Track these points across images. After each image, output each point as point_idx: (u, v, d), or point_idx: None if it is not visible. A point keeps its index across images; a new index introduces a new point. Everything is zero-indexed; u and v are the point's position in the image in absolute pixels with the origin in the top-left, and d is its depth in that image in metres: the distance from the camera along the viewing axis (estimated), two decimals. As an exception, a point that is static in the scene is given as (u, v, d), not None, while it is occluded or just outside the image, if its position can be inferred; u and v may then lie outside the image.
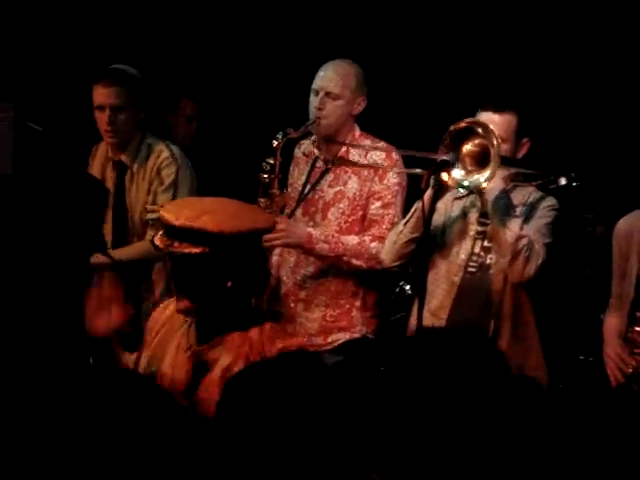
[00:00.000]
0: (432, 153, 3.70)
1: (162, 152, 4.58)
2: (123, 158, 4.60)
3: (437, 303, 3.91)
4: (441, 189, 3.72)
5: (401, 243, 3.87)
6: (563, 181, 3.72)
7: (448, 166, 3.62)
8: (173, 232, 2.95)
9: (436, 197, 3.71)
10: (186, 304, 3.02)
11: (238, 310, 3.03)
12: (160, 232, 3.03)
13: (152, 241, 3.07)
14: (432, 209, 3.70)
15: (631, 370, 3.50)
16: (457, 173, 3.64)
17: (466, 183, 3.64)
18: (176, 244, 2.93)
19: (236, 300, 3.02)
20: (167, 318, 3.21)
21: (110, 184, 4.62)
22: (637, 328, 3.53)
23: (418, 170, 3.82)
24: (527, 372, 3.82)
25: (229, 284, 2.97)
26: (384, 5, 5.57)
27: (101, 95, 4.49)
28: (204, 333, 3.06)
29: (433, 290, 3.92)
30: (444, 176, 3.63)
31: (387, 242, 3.98)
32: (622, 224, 3.76)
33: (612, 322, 3.74)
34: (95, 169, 4.71)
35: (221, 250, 2.93)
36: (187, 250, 2.91)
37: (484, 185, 3.61)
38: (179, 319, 3.15)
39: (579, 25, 5.22)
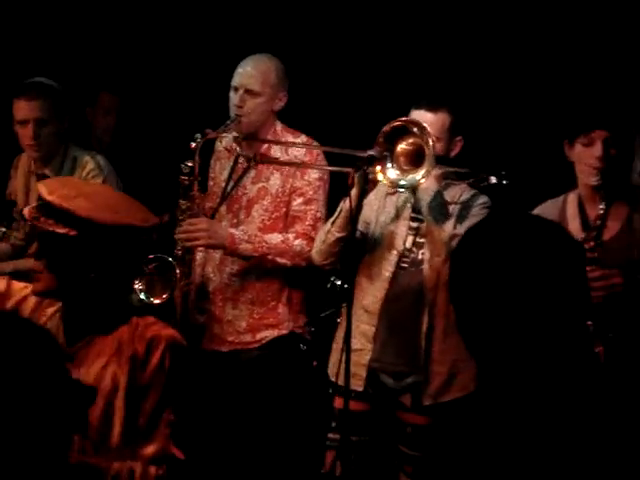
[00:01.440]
0: (358, 151, 3.71)
1: (88, 164, 4.52)
2: (47, 172, 4.50)
3: (370, 299, 3.93)
4: (367, 186, 3.73)
5: (330, 242, 3.87)
6: (494, 179, 3.76)
7: (378, 163, 3.63)
8: (44, 207, 2.86)
9: (362, 195, 3.72)
10: (44, 284, 2.91)
11: (107, 307, 2.96)
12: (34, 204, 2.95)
13: (21, 211, 2.98)
14: (359, 207, 3.71)
15: None
16: (392, 173, 3.65)
17: (403, 182, 3.66)
18: (42, 219, 2.84)
19: (103, 295, 2.93)
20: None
21: (34, 197, 4.54)
22: None
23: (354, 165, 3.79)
24: (458, 368, 3.87)
25: (92, 276, 2.88)
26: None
27: (24, 109, 4.39)
28: (71, 331, 2.95)
29: (366, 286, 3.94)
30: (379, 176, 3.66)
31: (316, 241, 3.98)
32: (538, 212, 3.80)
33: None
34: (19, 181, 4.64)
35: (86, 237, 2.83)
36: (51, 228, 2.82)
37: (418, 185, 3.65)
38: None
39: (506, 25, 5.23)
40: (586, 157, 3.61)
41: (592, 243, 3.54)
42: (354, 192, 3.70)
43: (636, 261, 3.59)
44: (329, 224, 3.90)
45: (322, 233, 3.94)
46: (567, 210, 3.74)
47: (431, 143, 3.61)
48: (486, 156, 4.26)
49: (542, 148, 4.00)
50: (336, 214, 3.87)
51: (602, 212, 3.60)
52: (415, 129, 3.65)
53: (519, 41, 5.18)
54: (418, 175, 3.63)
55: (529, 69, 5.21)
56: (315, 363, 4.43)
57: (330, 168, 4.14)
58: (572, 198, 3.75)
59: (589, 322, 3.46)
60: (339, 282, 4.52)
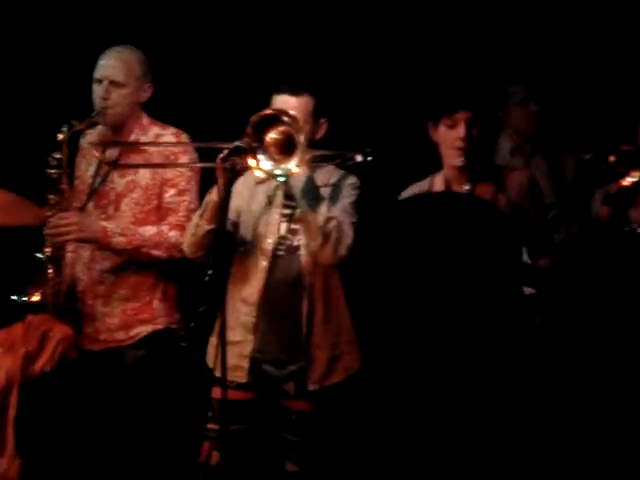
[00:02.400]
0: (225, 143, 3.67)
1: None
2: None
3: (248, 289, 3.90)
4: (235, 177, 3.69)
5: (199, 235, 3.82)
6: (359, 157, 3.77)
7: (249, 155, 3.59)
8: None
9: (229, 186, 3.67)
10: None
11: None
12: None
13: None
14: (227, 198, 3.67)
15: None
16: (266, 164, 3.62)
17: (277, 172, 3.62)
18: None
19: None
20: None
21: None
22: None
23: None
24: (340, 350, 3.87)
25: None
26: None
27: None
28: None
29: (243, 277, 3.91)
30: (255, 170, 3.62)
31: (186, 234, 3.93)
32: (405, 196, 3.84)
33: None
34: None
35: None
36: None
37: (295, 171, 3.62)
38: None
39: (367, 3, 5.27)
40: (450, 138, 3.67)
41: None
42: (220, 183, 3.65)
43: None
44: (197, 217, 3.85)
45: (191, 226, 3.89)
46: (434, 190, 3.78)
47: (301, 130, 3.60)
48: (354, 136, 4.26)
49: (409, 130, 4.02)
50: (203, 206, 3.82)
51: (467, 192, 3.65)
52: (285, 118, 3.63)
53: (384, 20, 5.23)
54: (292, 164, 3.61)
55: (393, 49, 5.26)
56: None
57: (200, 165, 4.10)
58: (439, 179, 3.80)
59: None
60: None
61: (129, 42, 4.22)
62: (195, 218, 3.87)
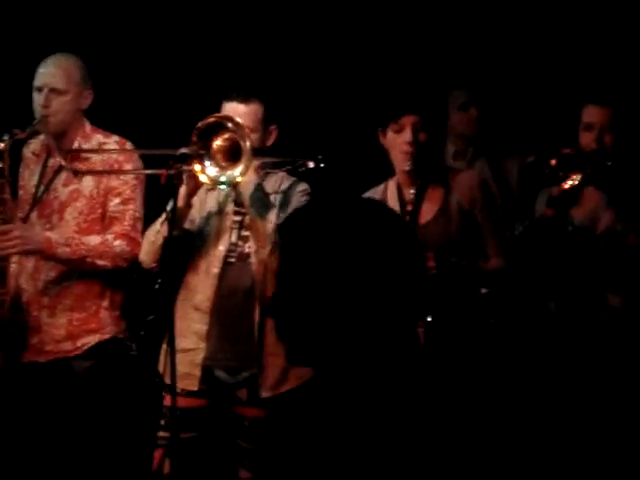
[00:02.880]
0: (171, 150, 3.66)
1: None
2: None
3: (201, 297, 3.89)
4: (182, 183, 3.66)
5: (160, 243, 3.79)
6: (311, 164, 3.78)
7: (196, 162, 3.58)
8: None
9: (177, 196, 3.65)
10: None
11: None
12: None
13: None
14: (175, 205, 3.65)
15: None
16: (212, 170, 3.61)
17: (223, 179, 3.63)
18: None
19: None
20: None
21: None
22: None
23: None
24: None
25: None
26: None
27: None
28: None
29: (194, 285, 3.90)
30: (200, 174, 3.60)
31: (144, 243, 3.91)
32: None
33: None
34: None
35: None
36: None
37: (239, 179, 3.62)
38: None
39: (314, 11, 5.29)
40: (397, 143, 3.69)
41: None
42: (183, 190, 3.66)
43: (453, 242, 3.69)
44: (158, 225, 3.83)
45: (151, 234, 3.87)
46: (387, 196, 3.81)
47: (247, 137, 3.61)
48: (306, 143, 4.27)
49: (364, 137, 4.03)
50: (165, 215, 3.79)
51: (412, 196, 3.68)
52: (230, 124, 3.63)
53: (331, 26, 5.24)
54: (236, 171, 3.61)
55: (341, 56, 5.28)
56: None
57: (146, 171, 4.07)
58: (391, 184, 3.83)
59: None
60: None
61: (68, 49, 4.19)
62: (155, 226, 3.85)
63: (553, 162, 3.95)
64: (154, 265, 3.91)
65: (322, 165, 3.77)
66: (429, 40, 5.29)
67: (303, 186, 3.91)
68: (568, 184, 3.95)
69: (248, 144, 3.59)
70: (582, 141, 4.05)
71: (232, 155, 3.64)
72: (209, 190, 3.89)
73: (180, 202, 3.65)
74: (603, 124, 4.03)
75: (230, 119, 3.65)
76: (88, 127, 4.16)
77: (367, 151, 4.05)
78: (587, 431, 3.82)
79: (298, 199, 3.86)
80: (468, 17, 5.28)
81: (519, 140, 5.02)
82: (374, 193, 3.86)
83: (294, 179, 3.92)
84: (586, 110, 4.08)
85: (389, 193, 3.82)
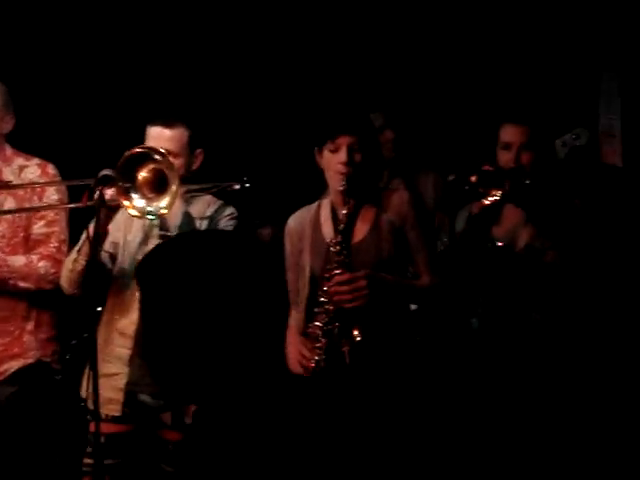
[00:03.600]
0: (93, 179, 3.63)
1: None
2: None
3: (125, 321, 3.87)
4: (104, 205, 3.63)
5: (79, 270, 3.77)
6: (237, 186, 3.78)
7: (121, 193, 3.56)
8: None
9: (98, 218, 3.62)
10: None
11: None
12: None
13: None
14: (98, 228, 3.62)
15: (313, 364, 3.58)
16: (139, 202, 3.60)
17: (149, 209, 3.61)
18: None
19: None
20: None
21: None
22: (315, 323, 3.62)
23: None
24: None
25: None
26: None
27: None
28: None
29: (119, 308, 3.89)
30: (128, 208, 3.59)
31: (64, 270, 3.88)
32: (292, 221, 3.87)
33: (292, 319, 3.82)
34: None
35: None
36: None
37: (165, 211, 3.61)
38: None
39: (236, 36, 5.30)
40: (333, 163, 3.72)
41: (338, 247, 3.64)
42: (98, 216, 3.61)
43: (385, 260, 3.73)
44: (75, 252, 3.80)
45: (69, 262, 3.84)
46: (321, 215, 3.84)
47: (173, 167, 3.60)
48: (234, 166, 4.28)
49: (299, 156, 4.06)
50: (81, 241, 3.78)
51: (345, 216, 3.71)
52: (155, 156, 3.62)
53: (259, 49, 5.27)
54: (163, 202, 3.59)
55: (274, 79, 5.31)
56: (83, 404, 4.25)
57: (67, 182, 4.04)
58: (325, 204, 3.85)
59: (336, 323, 3.58)
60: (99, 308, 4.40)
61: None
62: (73, 253, 3.82)
63: (473, 179, 4.01)
64: (75, 292, 3.87)
65: (247, 186, 3.78)
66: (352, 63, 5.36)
67: (229, 210, 3.92)
68: (489, 200, 4.01)
69: (174, 173, 3.59)
70: (500, 160, 4.10)
71: (158, 185, 3.63)
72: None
73: (95, 228, 3.61)
74: (521, 143, 4.08)
75: (156, 150, 3.63)
76: (9, 151, 4.14)
77: (298, 171, 4.08)
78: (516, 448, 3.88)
79: (225, 223, 3.87)
80: (383, 39, 5.35)
81: (432, 157, 5.10)
82: (307, 212, 3.88)
83: (220, 203, 3.93)
84: (503, 129, 4.13)
85: (322, 212, 3.84)
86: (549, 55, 5.19)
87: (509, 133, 4.11)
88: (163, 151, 3.63)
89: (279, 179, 4.86)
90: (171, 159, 3.67)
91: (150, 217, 3.67)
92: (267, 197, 3.96)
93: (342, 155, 3.68)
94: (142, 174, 3.62)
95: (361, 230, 3.75)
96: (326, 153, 3.74)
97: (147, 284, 2.60)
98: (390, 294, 3.66)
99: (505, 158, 4.08)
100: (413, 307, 3.97)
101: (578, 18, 5.12)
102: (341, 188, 3.70)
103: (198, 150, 3.93)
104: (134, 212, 3.61)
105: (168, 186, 3.58)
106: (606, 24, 5.04)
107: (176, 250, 2.82)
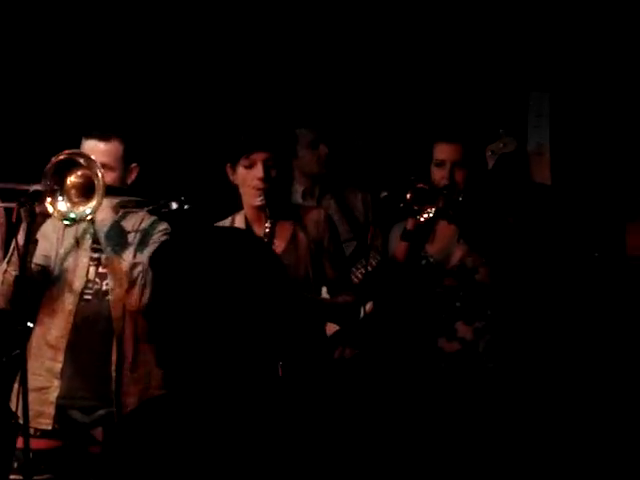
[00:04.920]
0: (23, 185, 3.57)
1: None
2: None
3: (56, 333, 3.80)
4: (34, 221, 3.57)
5: (9, 282, 3.70)
6: (174, 205, 3.74)
7: (46, 197, 3.50)
8: None
9: (29, 231, 3.55)
10: None
11: None
12: None
13: None
14: (27, 243, 3.54)
15: None
16: (62, 205, 3.54)
17: (72, 215, 3.56)
18: None
19: None
20: None
21: None
22: None
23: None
24: (150, 396, 3.80)
25: None
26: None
27: None
28: None
29: (48, 322, 3.81)
30: (50, 209, 3.52)
31: None
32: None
33: None
34: None
35: None
36: None
37: (89, 217, 3.57)
38: None
39: (164, 54, 5.27)
40: (249, 179, 3.73)
41: None
42: (22, 228, 3.55)
43: (303, 278, 3.74)
44: (4, 264, 3.73)
45: None
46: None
47: (100, 174, 3.55)
48: (168, 181, 4.25)
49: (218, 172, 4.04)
50: (10, 253, 3.71)
51: (268, 230, 3.71)
52: (82, 161, 3.58)
53: (186, 69, 5.24)
54: (88, 209, 3.55)
55: (197, 96, 5.29)
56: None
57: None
58: (239, 219, 3.85)
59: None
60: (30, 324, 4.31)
61: None
62: (2, 265, 3.75)
63: (408, 196, 4.04)
64: (5, 306, 3.79)
65: (186, 207, 3.74)
66: (278, 79, 5.36)
67: (163, 225, 3.89)
68: (423, 217, 4.04)
69: (101, 181, 3.54)
70: (434, 177, 4.14)
71: (86, 192, 3.58)
72: (67, 226, 3.82)
73: (20, 241, 3.53)
74: (454, 160, 4.12)
75: (83, 155, 3.60)
76: None
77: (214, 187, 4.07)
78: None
79: (158, 238, 3.83)
80: (314, 56, 5.37)
81: (360, 174, 5.12)
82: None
83: (154, 218, 3.89)
84: (437, 147, 4.18)
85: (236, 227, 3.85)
86: (480, 73, 5.25)
87: (442, 151, 4.16)
88: (92, 157, 3.59)
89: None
90: (103, 170, 3.62)
91: (66, 222, 3.61)
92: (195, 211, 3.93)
93: (259, 171, 3.70)
94: (71, 179, 3.57)
95: (278, 246, 3.77)
96: (241, 169, 3.74)
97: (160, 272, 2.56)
98: (308, 313, 3.67)
99: (439, 175, 4.13)
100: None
101: (508, 38, 5.20)
102: (259, 203, 3.71)
103: (133, 164, 3.89)
104: (54, 213, 3.54)
105: (95, 193, 3.54)
106: (535, 44, 5.13)
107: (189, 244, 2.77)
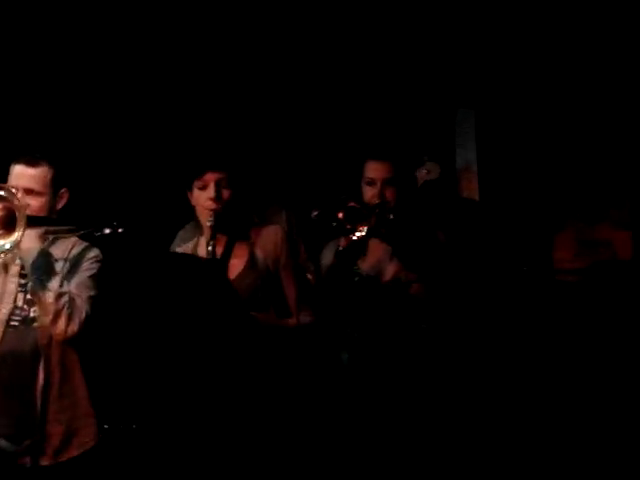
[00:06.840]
0: None
1: None
2: None
3: None
4: None
5: None
6: (107, 230, 3.70)
7: None
8: None
9: None
10: None
11: None
12: None
13: None
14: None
15: None
16: None
17: None
18: None
19: None
20: None
21: None
22: None
23: None
24: (77, 425, 3.77)
25: None
26: None
27: None
28: None
29: None
30: None
31: None
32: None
33: None
34: None
35: None
36: None
37: (8, 250, 3.49)
38: None
39: (103, 79, 5.24)
40: (202, 199, 3.75)
41: None
42: None
43: (260, 297, 3.74)
44: None
45: None
46: (198, 252, 3.86)
47: (21, 207, 3.48)
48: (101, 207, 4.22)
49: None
50: None
51: (210, 250, 3.71)
52: (2, 193, 3.51)
53: (128, 91, 5.21)
54: (8, 243, 3.50)
55: (137, 117, 5.25)
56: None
57: None
58: (202, 240, 3.85)
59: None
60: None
61: None
62: None
63: (340, 215, 4.06)
64: None
65: (120, 230, 3.71)
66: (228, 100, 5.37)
67: (94, 252, 3.82)
68: (356, 236, 4.07)
69: (22, 212, 3.48)
70: (365, 195, 4.17)
71: (8, 224, 3.50)
72: None
73: None
74: (384, 178, 4.15)
75: (2, 188, 3.53)
76: None
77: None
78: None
79: (88, 266, 3.77)
80: (251, 75, 5.39)
81: (281, 192, 5.13)
82: (185, 249, 3.91)
83: (86, 244, 3.83)
84: (368, 165, 4.20)
85: (200, 248, 3.86)
86: (408, 92, 5.30)
87: (373, 169, 4.18)
88: (11, 188, 3.54)
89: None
90: (28, 198, 3.60)
91: None
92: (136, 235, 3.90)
93: (210, 191, 3.72)
94: None
95: (236, 267, 3.77)
96: (195, 190, 3.77)
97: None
98: (264, 333, 3.67)
99: (370, 194, 4.16)
100: None
101: (434, 57, 5.25)
102: (209, 223, 3.72)
103: (63, 189, 3.83)
104: None
105: (16, 224, 3.48)
106: (461, 62, 5.20)
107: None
